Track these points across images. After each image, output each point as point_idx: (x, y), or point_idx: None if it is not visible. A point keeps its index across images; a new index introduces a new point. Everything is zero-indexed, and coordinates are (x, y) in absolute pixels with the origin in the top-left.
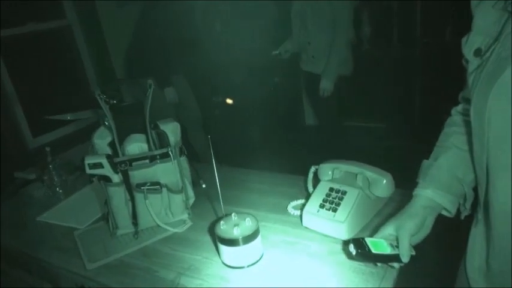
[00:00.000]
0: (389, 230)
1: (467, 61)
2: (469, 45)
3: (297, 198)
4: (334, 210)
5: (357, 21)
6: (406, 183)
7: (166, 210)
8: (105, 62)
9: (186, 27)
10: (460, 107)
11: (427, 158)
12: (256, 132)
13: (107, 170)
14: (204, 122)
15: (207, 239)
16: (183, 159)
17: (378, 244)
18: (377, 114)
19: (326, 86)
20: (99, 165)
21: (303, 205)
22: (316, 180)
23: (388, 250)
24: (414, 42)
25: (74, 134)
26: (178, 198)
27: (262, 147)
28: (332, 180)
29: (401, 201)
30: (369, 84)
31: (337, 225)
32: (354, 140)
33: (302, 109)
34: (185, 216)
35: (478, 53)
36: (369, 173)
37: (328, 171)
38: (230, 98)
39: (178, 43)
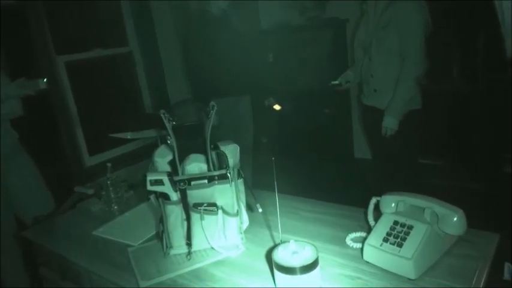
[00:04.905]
0: None
1: None
2: None
3: (355, 231)
4: (400, 245)
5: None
6: (472, 223)
7: (220, 233)
8: (159, 85)
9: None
10: None
11: (487, 200)
12: (303, 160)
13: (167, 188)
14: (254, 147)
15: (261, 266)
16: (240, 182)
17: None
18: (433, 151)
19: (389, 124)
20: (160, 182)
21: (364, 238)
22: (377, 213)
23: None
24: (476, 78)
25: (124, 156)
26: (233, 222)
27: (309, 176)
28: (396, 213)
29: (474, 242)
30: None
31: (403, 262)
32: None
33: (351, 142)
34: (238, 240)
35: None
36: (439, 207)
37: (392, 203)
38: (278, 105)
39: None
